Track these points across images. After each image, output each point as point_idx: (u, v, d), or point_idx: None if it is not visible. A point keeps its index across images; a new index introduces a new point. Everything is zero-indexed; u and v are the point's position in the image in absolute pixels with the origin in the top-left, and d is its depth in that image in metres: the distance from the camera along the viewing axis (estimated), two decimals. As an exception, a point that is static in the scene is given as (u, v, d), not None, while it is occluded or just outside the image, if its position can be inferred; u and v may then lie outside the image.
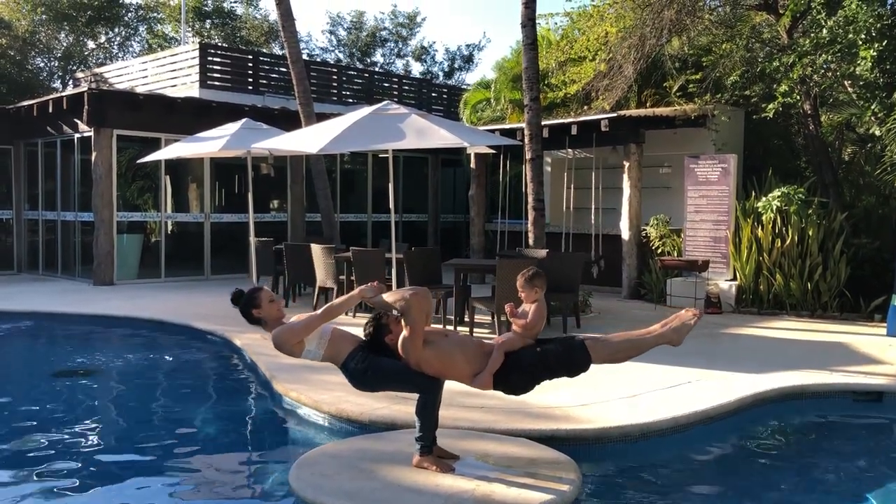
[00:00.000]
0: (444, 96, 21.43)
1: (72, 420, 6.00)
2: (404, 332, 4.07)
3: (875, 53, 9.05)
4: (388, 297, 4.11)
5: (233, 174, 15.59)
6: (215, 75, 16.35)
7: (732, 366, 6.87)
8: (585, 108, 13.52)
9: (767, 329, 9.13)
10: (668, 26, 11.15)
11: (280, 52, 22.83)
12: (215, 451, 5.32)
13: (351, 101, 18.34)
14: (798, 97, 10.83)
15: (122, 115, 13.17)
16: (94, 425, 5.97)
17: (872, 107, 9.68)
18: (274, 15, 25.06)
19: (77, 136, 13.58)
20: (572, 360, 4.14)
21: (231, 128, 10.55)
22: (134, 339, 9.23)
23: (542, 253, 9.39)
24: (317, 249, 10.10)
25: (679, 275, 11.04)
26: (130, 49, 27.79)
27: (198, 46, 16.77)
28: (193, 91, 15.72)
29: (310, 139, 8.50)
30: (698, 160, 11.15)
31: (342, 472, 4.20)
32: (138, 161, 11.99)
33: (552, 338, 4.37)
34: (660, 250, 11.53)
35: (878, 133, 9.87)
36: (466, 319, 8.81)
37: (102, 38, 26.64)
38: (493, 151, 12.75)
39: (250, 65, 17.32)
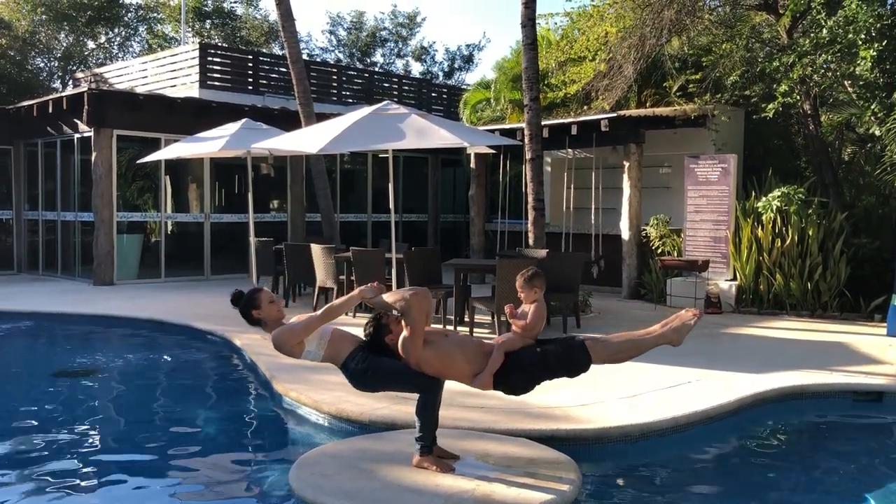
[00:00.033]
0: (444, 96, 21.43)
1: (72, 420, 6.00)
2: (404, 333, 4.07)
3: (875, 53, 9.05)
4: (388, 297, 4.11)
5: (233, 174, 15.59)
6: (215, 75, 16.36)
7: (732, 366, 6.87)
8: (585, 108, 13.52)
9: (767, 329, 9.13)
10: (668, 26, 11.15)
11: (280, 53, 22.84)
12: (215, 451, 5.32)
13: (351, 101, 18.34)
14: (798, 97, 10.83)
15: (122, 115, 13.17)
16: (93, 425, 5.97)
17: (872, 107, 9.68)
18: (274, 15, 25.07)
19: (77, 136, 13.58)
20: (572, 360, 4.14)
21: (231, 128, 10.55)
22: (134, 340, 9.23)
23: (542, 253, 9.39)
24: (317, 249, 10.10)
25: (679, 275, 11.04)
26: (130, 49, 27.82)
27: (198, 46, 16.77)
28: (193, 91, 15.72)
29: (310, 139, 8.50)
30: (698, 160, 11.15)
31: (342, 472, 4.20)
32: (138, 161, 11.99)
33: (552, 338, 4.37)
34: (660, 250, 11.53)
35: (877, 133, 9.87)
36: (466, 319, 8.81)
37: (102, 39, 26.65)
38: (493, 151, 12.75)
39: (250, 65, 17.32)
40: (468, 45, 33.34)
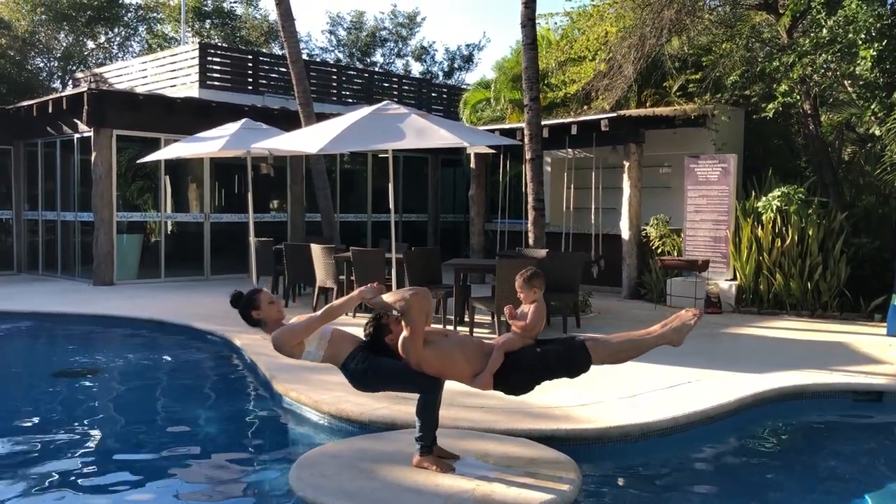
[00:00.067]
0: (444, 96, 21.43)
1: (72, 420, 6.00)
2: (404, 333, 4.07)
3: (875, 53, 9.05)
4: (387, 297, 4.11)
5: (233, 174, 15.59)
6: (215, 75, 16.35)
7: (732, 366, 6.87)
8: (585, 107, 13.52)
9: (767, 329, 9.13)
10: (667, 26, 11.15)
11: (280, 52, 22.83)
12: (215, 451, 5.32)
13: (351, 101, 18.33)
14: (798, 97, 10.83)
15: (122, 115, 13.17)
16: (93, 425, 5.97)
17: (872, 106, 9.68)
18: (274, 15, 25.04)
19: (77, 136, 13.58)
20: (573, 360, 4.13)
21: (231, 128, 10.55)
22: (134, 340, 9.23)
23: (542, 253, 9.39)
24: (317, 249, 10.10)
25: (679, 275, 11.04)
26: (130, 49, 27.82)
27: (197, 46, 16.77)
28: (193, 91, 15.72)
29: (310, 139, 8.49)
30: (698, 160, 11.15)
31: (342, 472, 4.20)
32: (138, 161, 11.98)
33: (552, 338, 4.37)
34: (660, 250, 11.53)
35: (877, 133, 9.87)
36: (466, 319, 8.81)
37: (102, 39, 26.64)
38: (493, 151, 12.75)
39: (250, 65, 17.32)
40: (468, 45, 33.38)
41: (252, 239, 10.97)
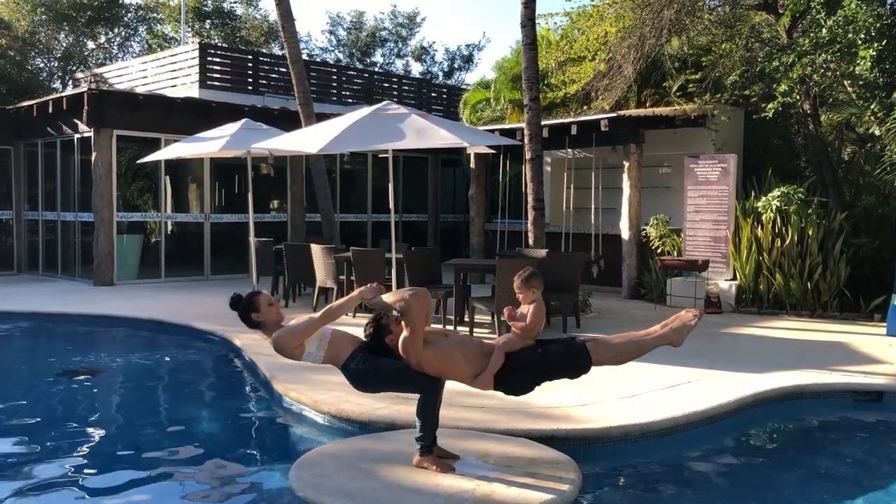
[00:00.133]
0: (444, 96, 21.43)
1: (72, 420, 6.00)
2: (404, 333, 4.07)
3: (874, 53, 9.05)
4: (387, 297, 4.11)
5: (233, 174, 15.59)
6: (215, 75, 16.36)
7: (732, 366, 6.87)
8: (585, 108, 13.52)
9: (767, 329, 9.13)
10: (667, 26, 11.15)
11: (280, 53, 22.84)
12: (215, 451, 5.31)
13: (351, 101, 18.34)
14: (798, 97, 10.83)
15: (122, 115, 13.17)
16: (93, 425, 5.97)
17: (872, 106, 9.68)
18: (274, 15, 25.05)
19: (77, 136, 13.58)
20: (573, 362, 4.13)
21: (231, 128, 10.55)
22: (134, 340, 9.23)
23: (542, 253, 9.39)
24: (317, 249, 10.11)
25: (679, 274, 11.05)
26: (130, 49, 27.83)
27: (197, 47, 16.77)
28: (193, 91, 15.72)
29: (310, 139, 8.50)
30: (698, 160, 11.15)
31: (342, 472, 4.20)
32: (138, 161, 11.98)
33: (553, 339, 4.37)
34: (660, 250, 11.53)
35: (877, 133, 9.87)
36: (466, 319, 8.81)
37: (102, 39, 26.65)
38: (493, 151, 12.75)
39: (250, 65, 17.32)
40: (468, 45, 33.39)
41: (252, 239, 10.98)
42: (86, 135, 13.22)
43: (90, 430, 5.84)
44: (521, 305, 4.31)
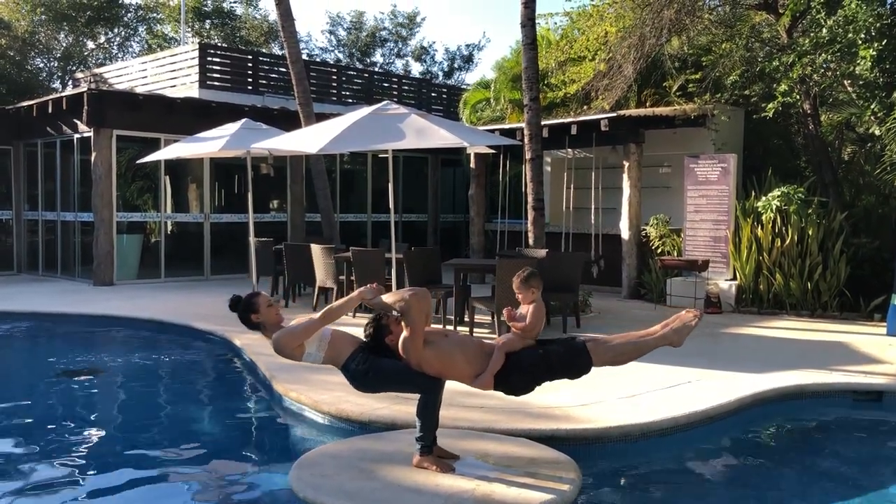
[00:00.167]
0: (444, 96, 21.43)
1: (71, 420, 6.00)
2: (404, 333, 4.07)
3: (874, 53, 9.05)
4: (387, 298, 4.11)
5: (232, 174, 15.59)
6: (215, 75, 16.36)
7: (732, 365, 6.87)
8: (585, 107, 13.52)
9: (767, 329, 9.13)
10: (667, 26, 11.15)
11: (280, 53, 22.84)
12: (215, 451, 5.31)
13: (351, 101, 18.34)
14: (798, 97, 10.83)
15: (122, 115, 13.17)
16: (93, 426, 5.97)
17: (872, 106, 9.68)
18: (273, 15, 25.05)
19: (77, 136, 13.58)
20: (573, 362, 4.13)
21: (231, 128, 10.55)
22: (134, 340, 9.23)
23: (542, 253, 9.39)
24: (317, 249, 10.11)
25: (679, 274, 11.05)
26: (130, 49, 27.84)
27: (197, 47, 16.77)
28: (193, 91, 15.72)
29: (309, 139, 8.50)
30: (698, 160, 11.15)
31: (342, 472, 4.20)
32: (138, 161, 11.98)
33: (553, 339, 4.37)
34: (660, 250, 11.53)
35: (877, 132, 9.87)
36: (466, 319, 8.81)
37: (102, 39, 26.66)
38: (493, 151, 12.75)
39: (250, 65, 17.32)
40: (468, 45, 33.40)
41: (252, 239, 10.98)
42: (86, 135, 13.21)
43: (90, 430, 5.84)
44: (521, 306, 4.31)
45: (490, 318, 8.96)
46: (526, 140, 10.00)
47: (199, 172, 14.43)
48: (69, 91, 16.07)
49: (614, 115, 11.41)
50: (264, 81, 17.10)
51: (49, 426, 5.77)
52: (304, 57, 21.91)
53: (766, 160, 12.14)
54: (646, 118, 11.68)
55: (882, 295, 9.52)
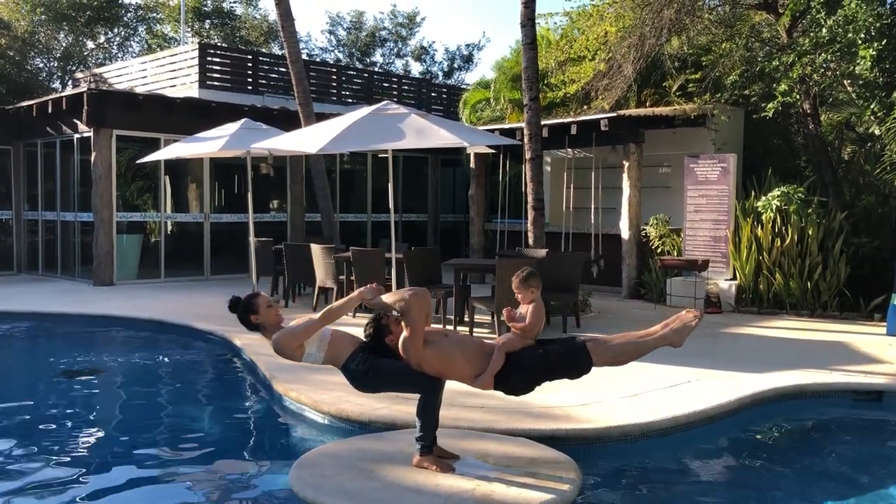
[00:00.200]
0: (444, 96, 21.43)
1: (71, 420, 6.00)
2: (404, 333, 4.07)
3: (874, 53, 9.05)
4: (387, 298, 4.11)
5: (232, 174, 15.59)
6: (215, 75, 16.36)
7: (732, 365, 6.87)
8: (585, 107, 13.52)
9: (767, 329, 9.13)
10: (667, 26, 11.15)
11: (279, 52, 22.84)
12: (215, 452, 5.31)
13: (350, 101, 18.34)
14: (798, 96, 10.83)
15: (122, 115, 13.17)
16: (93, 426, 5.97)
17: (872, 106, 9.68)
18: (273, 15, 25.07)
19: (76, 136, 13.58)
20: (573, 362, 4.13)
21: (230, 128, 10.54)
22: (134, 340, 9.23)
23: (542, 252, 9.39)
24: (316, 249, 10.11)
25: (679, 274, 11.05)
26: (130, 49, 27.83)
27: (197, 46, 16.77)
28: (193, 91, 15.72)
29: (309, 139, 8.50)
30: (698, 160, 11.15)
31: (342, 472, 4.20)
32: (138, 161, 11.98)
33: (553, 339, 4.36)
34: (659, 250, 11.53)
35: (877, 132, 9.88)
36: (466, 319, 8.81)
37: (102, 39, 26.65)
38: (493, 151, 12.75)
39: (250, 65, 17.32)
40: (468, 45, 33.39)
41: (252, 239, 10.98)
42: (85, 135, 13.21)
43: (90, 430, 5.84)
44: (521, 306, 4.31)
45: (490, 318, 8.95)
46: (526, 140, 10.00)
47: (199, 172, 14.43)
48: (69, 91, 16.07)
49: (614, 115, 11.41)
50: (264, 81, 17.10)
51: (49, 426, 5.77)
52: (304, 57, 21.91)
53: (765, 160, 12.14)
54: (646, 118, 11.68)
55: (882, 295, 9.52)
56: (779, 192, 10.20)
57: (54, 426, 5.79)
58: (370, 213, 16.70)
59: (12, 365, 8.28)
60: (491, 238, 14.39)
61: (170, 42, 27.28)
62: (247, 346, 7.53)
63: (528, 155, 9.94)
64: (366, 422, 5.21)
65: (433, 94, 21.41)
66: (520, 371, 4.14)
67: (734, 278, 10.66)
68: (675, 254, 11.31)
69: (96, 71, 20.63)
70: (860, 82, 10.27)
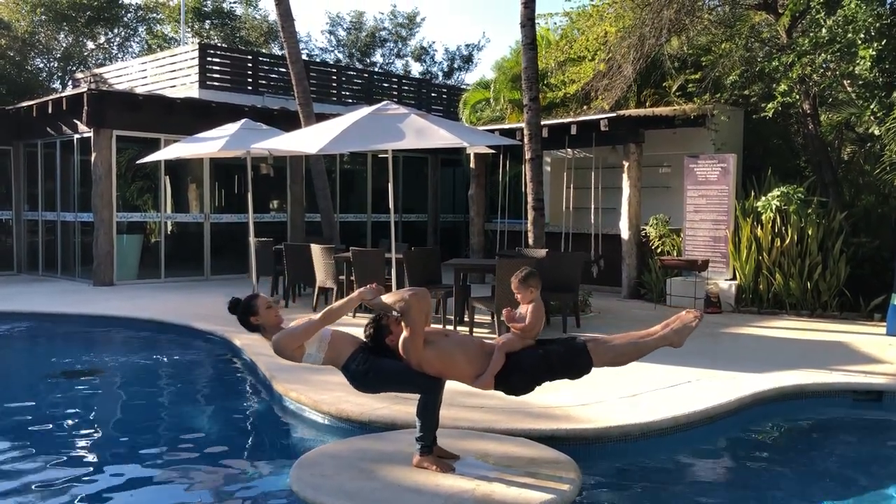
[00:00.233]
0: (444, 96, 21.44)
1: (71, 421, 6.00)
2: (404, 333, 4.07)
3: (874, 53, 9.06)
4: (387, 298, 4.11)
5: (232, 174, 15.59)
6: (215, 76, 16.36)
7: (732, 365, 6.87)
8: (585, 107, 13.52)
9: (767, 328, 9.13)
10: (667, 26, 11.15)
11: (279, 53, 22.85)
12: (215, 452, 5.31)
13: (350, 101, 18.34)
14: (797, 96, 10.83)
15: (122, 115, 13.17)
16: (93, 426, 5.97)
17: (871, 106, 9.68)
18: (273, 15, 25.07)
19: (77, 136, 13.58)
20: (574, 362, 4.13)
21: (230, 128, 10.55)
22: (134, 340, 9.24)
23: (542, 252, 9.40)
24: (316, 250, 10.11)
25: (679, 274, 11.05)
26: (130, 49, 27.83)
27: (197, 47, 16.78)
28: (193, 91, 15.72)
29: (309, 139, 8.50)
30: (698, 160, 11.16)
31: (342, 472, 4.20)
32: (138, 161, 11.98)
33: (553, 339, 4.36)
34: (659, 250, 11.53)
35: (877, 132, 9.88)
36: (466, 319, 8.81)
37: (102, 39, 26.65)
38: (493, 151, 12.75)
39: (250, 65, 17.32)
40: (468, 45, 33.41)
41: (252, 239, 10.98)
42: (85, 135, 13.21)
43: (90, 430, 5.84)
44: (520, 306, 4.31)
45: (490, 318, 8.96)
46: (526, 140, 10.00)
47: (199, 172, 14.43)
48: (69, 91, 16.06)
49: (614, 115, 11.41)
50: (264, 82, 17.10)
51: (49, 426, 5.77)
52: (304, 57, 21.91)
53: (765, 160, 12.14)
54: (645, 118, 11.68)
55: (882, 294, 9.52)
56: (778, 192, 10.20)
57: (54, 426, 5.79)
58: (370, 213, 16.70)
59: (12, 365, 8.28)
60: (491, 238, 14.39)
61: (170, 42, 27.29)
62: (247, 347, 7.53)
63: (527, 155, 9.95)
64: (366, 422, 5.22)
65: (433, 95, 21.41)
66: (520, 371, 4.14)
67: (734, 278, 10.66)
68: (675, 254, 11.31)
69: (96, 71, 20.63)
70: (860, 82, 10.27)
